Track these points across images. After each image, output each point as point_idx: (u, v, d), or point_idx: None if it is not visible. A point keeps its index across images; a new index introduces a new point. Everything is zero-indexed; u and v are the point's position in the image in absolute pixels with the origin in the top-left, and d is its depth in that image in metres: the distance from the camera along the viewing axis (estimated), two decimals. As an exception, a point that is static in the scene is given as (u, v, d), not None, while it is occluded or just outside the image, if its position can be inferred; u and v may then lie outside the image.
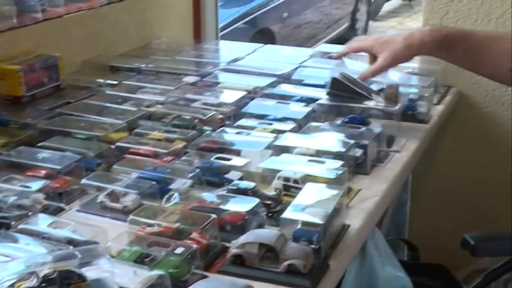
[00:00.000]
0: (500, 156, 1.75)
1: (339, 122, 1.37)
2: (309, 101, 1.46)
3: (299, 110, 1.41)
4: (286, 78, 1.63)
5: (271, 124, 1.34)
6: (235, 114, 1.41)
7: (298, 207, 0.99)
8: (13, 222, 0.98)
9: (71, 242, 0.92)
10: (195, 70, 1.72)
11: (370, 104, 1.37)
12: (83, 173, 1.14)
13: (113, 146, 1.24)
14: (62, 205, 1.09)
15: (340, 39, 4.79)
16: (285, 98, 1.49)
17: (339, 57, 1.41)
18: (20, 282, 0.76)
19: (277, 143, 1.23)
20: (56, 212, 1.07)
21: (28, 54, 1.53)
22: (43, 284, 0.75)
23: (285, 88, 1.56)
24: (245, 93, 1.51)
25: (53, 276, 0.76)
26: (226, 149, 1.23)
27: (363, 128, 1.30)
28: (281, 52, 1.93)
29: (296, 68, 1.68)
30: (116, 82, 1.60)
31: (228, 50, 1.96)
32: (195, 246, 0.90)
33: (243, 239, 0.92)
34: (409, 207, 1.90)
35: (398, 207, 1.89)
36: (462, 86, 1.73)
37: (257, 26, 4.50)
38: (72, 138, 1.27)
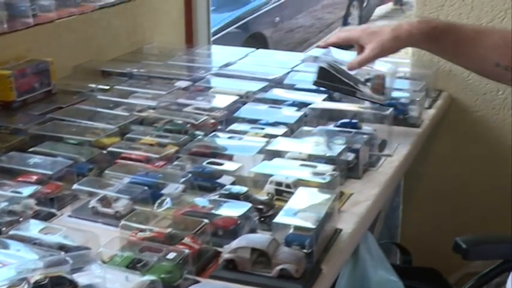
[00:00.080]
0: (491, 159, 1.76)
1: (331, 126, 1.37)
2: (301, 105, 1.46)
3: (291, 114, 1.41)
4: (278, 83, 1.63)
5: (263, 129, 1.34)
6: (228, 118, 1.41)
7: (290, 212, 0.99)
8: (4, 228, 0.98)
9: (62, 247, 0.91)
10: (187, 75, 1.72)
11: (358, 94, 1.36)
12: (74, 178, 1.14)
13: (104, 151, 1.24)
14: (53, 211, 1.09)
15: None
16: (277, 102, 1.49)
17: (326, 46, 1.38)
18: (10, 289, 0.75)
19: (269, 147, 1.23)
20: (48, 217, 1.07)
21: (19, 59, 1.52)
22: (34, 290, 0.75)
23: (277, 93, 1.56)
24: (237, 97, 1.51)
25: (44, 282, 0.75)
26: (218, 153, 1.23)
27: (355, 132, 1.30)
28: (273, 57, 1.94)
29: (288, 73, 1.69)
30: (107, 87, 1.60)
31: (220, 54, 1.97)
32: (187, 251, 0.90)
33: (235, 243, 0.92)
34: (401, 211, 1.90)
35: (390, 211, 1.90)
36: (453, 90, 1.74)
37: (249, 31, 4.51)
38: (63, 144, 1.27)
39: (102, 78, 1.70)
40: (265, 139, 1.28)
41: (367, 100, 1.37)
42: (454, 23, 1.31)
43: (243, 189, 1.07)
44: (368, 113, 1.41)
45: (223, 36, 3.94)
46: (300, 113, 1.41)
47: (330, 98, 1.53)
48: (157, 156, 1.21)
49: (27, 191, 1.08)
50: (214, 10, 2.52)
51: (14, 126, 1.36)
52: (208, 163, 1.18)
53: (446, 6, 1.68)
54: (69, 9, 1.61)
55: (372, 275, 1.36)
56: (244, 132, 1.33)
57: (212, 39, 2.27)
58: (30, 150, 1.23)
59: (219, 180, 1.14)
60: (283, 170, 1.14)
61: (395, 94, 1.53)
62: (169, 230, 0.95)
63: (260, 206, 1.05)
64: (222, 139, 1.30)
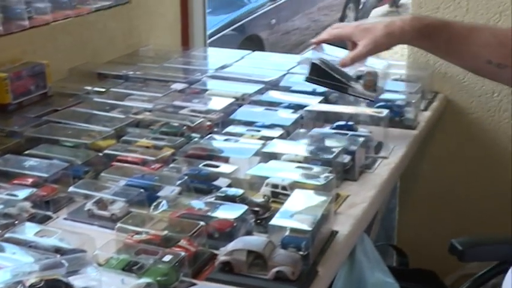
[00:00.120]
0: (487, 161, 1.76)
1: (327, 128, 1.38)
2: (297, 107, 1.46)
3: (287, 116, 1.41)
4: (274, 85, 1.63)
5: (259, 131, 1.34)
6: (224, 121, 1.41)
7: (286, 214, 0.99)
8: (-1, 231, 0.97)
9: (58, 250, 0.91)
10: (183, 77, 1.71)
11: (350, 90, 1.35)
12: (70, 181, 1.14)
13: (100, 154, 1.24)
14: (49, 213, 1.09)
15: (328, 46, 4.79)
16: (273, 104, 1.49)
17: (318, 43, 1.37)
18: (6, 292, 0.75)
19: (266, 149, 1.23)
20: (43, 220, 1.07)
21: (15, 62, 1.52)
22: (30, 293, 0.74)
23: (273, 95, 1.56)
24: (233, 100, 1.51)
25: (40, 285, 0.75)
26: (214, 156, 1.23)
27: (351, 134, 1.30)
28: (269, 59, 1.94)
29: (284, 75, 1.69)
30: (103, 89, 1.60)
31: (216, 56, 1.97)
32: (183, 253, 0.90)
33: (231, 246, 0.92)
34: (397, 213, 1.91)
35: (387, 213, 1.90)
36: (449, 92, 1.75)
37: (245, 33, 4.52)
38: (59, 146, 1.27)
39: (98, 80, 1.69)
40: (261, 141, 1.28)
41: (358, 97, 1.37)
42: (447, 21, 1.31)
43: (239, 191, 1.07)
44: (364, 115, 1.41)
45: (220, 39, 3.95)
46: (296, 115, 1.41)
47: (326, 100, 1.54)
48: (153, 158, 1.21)
49: (22, 193, 1.07)
50: (210, 12, 2.52)
51: (9, 129, 1.35)
52: (204, 165, 1.18)
53: (441, 8, 1.69)
54: (65, 12, 1.61)
55: (368, 277, 1.36)
56: (240, 135, 1.33)
57: (208, 41, 2.28)
58: (26, 152, 1.23)
59: (215, 183, 1.14)
60: (279, 172, 1.14)
61: (391, 96, 1.53)
62: (165, 232, 0.95)
63: (256, 208, 1.05)
64: (218, 141, 1.30)
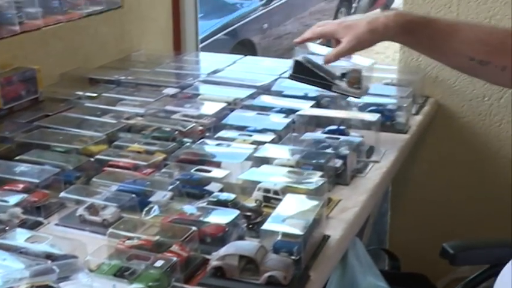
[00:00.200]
0: (477, 165, 1.77)
1: (318, 132, 1.38)
2: (288, 112, 1.46)
3: (279, 121, 1.42)
4: (266, 90, 1.64)
5: (251, 135, 1.34)
6: (215, 125, 1.41)
7: (278, 219, 0.99)
8: (-10, 237, 0.97)
9: (49, 256, 0.91)
10: (175, 82, 1.71)
11: (334, 88, 1.34)
12: (61, 186, 1.13)
13: (92, 159, 1.24)
14: (40, 219, 1.08)
15: (320, 50, 4.80)
16: (265, 109, 1.50)
17: (301, 42, 1.35)
18: (-4, 298, 0.75)
19: (257, 154, 1.23)
20: (34, 226, 1.06)
21: (5, 67, 1.51)
22: (20, 300, 0.74)
23: (265, 99, 1.57)
24: (225, 104, 1.51)
25: (31, 291, 0.75)
26: (206, 160, 1.23)
27: (343, 139, 1.31)
28: (261, 63, 1.94)
29: (276, 79, 1.69)
30: (95, 94, 1.59)
31: (208, 61, 1.97)
32: (175, 259, 0.89)
33: (223, 251, 0.92)
34: (389, 217, 1.91)
35: (379, 217, 1.90)
36: (440, 96, 1.76)
37: (238, 37, 4.52)
38: (50, 152, 1.26)
39: (90, 85, 1.69)
40: (253, 146, 1.28)
41: (342, 94, 1.36)
42: (430, 17, 1.30)
43: (231, 196, 1.07)
44: (356, 119, 1.42)
45: (212, 43, 3.95)
46: (287, 120, 1.41)
47: (318, 105, 1.54)
48: (145, 163, 1.21)
49: (13, 199, 1.07)
50: (202, 17, 2.52)
51: (0, 134, 1.35)
52: (196, 170, 1.18)
53: (432, 13, 1.70)
54: (56, 17, 1.60)
55: (360, 281, 1.37)
56: (232, 139, 1.33)
57: (200, 46, 2.28)
58: (17, 158, 1.22)
59: (207, 188, 1.14)
60: (271, 177, 1.14)
61: (382, 100, 1.54)
62: (157, 237, 0.95)
63: (248, 213, 1.05)
64: (210, 146, 1.30)
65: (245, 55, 1.99)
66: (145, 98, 1.56)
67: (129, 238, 0.95)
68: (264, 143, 1.29)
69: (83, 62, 1.78)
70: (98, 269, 0.89)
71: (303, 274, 0.94)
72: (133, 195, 1.08)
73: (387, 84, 1.70)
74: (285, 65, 1.83)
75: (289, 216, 0.99)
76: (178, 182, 1.13)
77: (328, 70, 1.34)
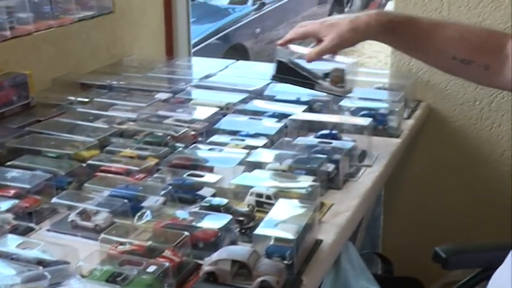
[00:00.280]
0: (469, 169, 1.78)
1: (311, 137, 1.38)
2: (281, 116, 1.46)
3: (271, 125, 1.42)
4: (258, 94, 1.64)
5: (243, 140, 1.34)
6: (208, 130, 1.41)
7: (270, 223, 0.99)
8: (-19, 244, 0.96)
9: (40, 262, 0.90)
10: (167, 87, 1.71)
11: (317, 87, 1.32)
12: (53, 191, 1.13)
13: (84, 164, 1.23)
14: (31, 225, 1.08)
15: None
16: (257, 113, 1.50)
17: (284, 43, 1.32)
18: (-13, 305, 0.74)
19: (250, 159, 1.23)
20: (26, 232, 1.06)
21: (-4, 72, 1.51)
22: (11, 306, 0.74)
23: (257, 104, 1.57)
24: (217, 109, 1.51)
25: (22, 298, 0.74)
26: (198, 165, 1.23)
27: (335, 143, 1.31)
28: (253, 68, 1.94)
29: (268, 84, 1.69)
30: (87, 99, 1.59)
31: (200, 66, 1.97)
32: (167, 264, 0.89)
33: (215, 256, 0.92)
34: (382, 221, 1.91)
35: (372, 221, 1.90)
36: (431, 101, 1.76)
37: (230, 42, 4.52)
38: (42, 157, 1.26)
39: (82, 90, 1.69)
40: (246, 151, 1.28)
41: (325, 92, 1.35)
42: (412, 16, 1.30)
43: (224, 201, 1.07)
44: (348, 123, 1.42)
45: (204, 48, 3.95)
46: (280, 124, 1.41)
47: (310, 109, 1.54)
48: (137, 168, 1.21)
49: (4, 205, 1.06)
50: (194, 22, 2.52)
51: (-9, 140, 1.34)
52: (188, 175, 1.18)
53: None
54: (48, 22, 1.60)
55: (353, 285, 1.37)
56: (225, 144, 1.33)
57: (193, 50, 2.28)
58: (8, 164, 1.22)
59: (199, 192, 1.13)
60: (263, 182, 1.14)
61: (374, 105, 1.54)
62: (149, 243, 0.95)
63: (241, 218, 1.04)
64: (202, 151, 1.30)
65: (237, 60, 2.00)
66: (138, 103, 1.56)
67: (122, 243, 0.95)
68: (256, 147, 1.29)
69: (75, 67, 1.78)
70: (90, 274, 0.89)
71: (295, 279, 0.93)
72: (126, 201, 1.07)
73: (379, 88, 1.70)
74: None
75: (281, 220, 0.99)
76: (170, 187, 1.13)
77: (311, 70, 1.32)
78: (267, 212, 1.03)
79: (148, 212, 1.03)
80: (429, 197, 1.83)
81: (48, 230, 1.08)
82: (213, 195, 1.12)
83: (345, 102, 1.55)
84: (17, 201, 1.08)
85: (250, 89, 1.65)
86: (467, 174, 1.78)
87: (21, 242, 0.96)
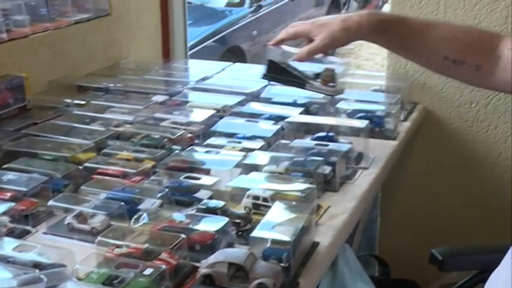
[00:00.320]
0: (465, 172, 1.78)
1: (308, 139, 1.38)
2: (277, 119, 1.46)
3: (268, 128, 1.42)
4: (255, 97, 1.64)
5: (240, 142, 1.34)
6: (204, 133, 1.41)
7: (267, 226, 0.99)
8: (-23, 247, 0.96)
9: (37, 265, 0.90)
10: (164, 89, 1.71)
11: (308, 86, 1.30)
12: (50, 194, 1.13)
13: (80, 167, 1.23)
14: (28, 228, 1.07)
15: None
16: (254, 116, 1.50)
17: (276, 44, 1.31)
18: (-17, 308, 0.74)
19: (247, 161, 1.23)
20: (22, 235, 1.06)
21: (-8, 75, 1.51)
22: (8, 310, 0.73)
23: (254, 106, 1.57)
24: (214, 111, 1.51)
25: (18, 301, 0.74)
26: (195, 168, 1.23)
27: (332, 145, 1.31)
28: (250, 70, 1.94)
29: (265, 86, 1.69)
30: (83, 102, 1.59)
31: (197, 68, 1.97)
32: (164, 266, 0.89)
33: (212, 258, 0.92)
34: (379, 223, 1.92)
35: (369, 223, 1.91)
36: (428, 103, 1.77)
37: (227, 44, 4.53)
38: (38, 160, 1.26)
39: (78, 93, 1.69)
40: (242, 153, 1.28)
41: (316, 91, 1.33)
42: (403, 16, 1.28)
43: (220, 203, 1.07)
44: (344, 126, 1.42)
45: (201, 50, 3.95)
46: (277, 127, 1.42)
47: (307, 112, 1.54)
48: (134, 171, 1.21)
49: (1, 208, 1.06)
50: (191, 24, 2.52)
51: (-13, 143, 1.34)
52: (185, 178, 1.18)
53: (419, 20, 1.71)
54: (44, 24, 1.60)
55: (350, 287, 1.37)
56: (221, 146, 1.33)
57: (189, 53, 2.28)
58: (5, 166, 1.22)
59: (196, 195, 1.14)
60: (260, 184, 1.14)
61: (371, 107, 1.55)
62: (146, 245, 0.95)
63: (237, 220, 1.04)
64: (199, 153, 1.30)
65: (234, 62, 2.00)
66: (134, 105, 1.56)
67: (118, 246, 0.95)
68: (253, 150, 1.29)
69: (71, 70, 1.77)
70: (86, 277, 0.89)
71: (292, 281, 0.94)
72: (122, 203, 1.07)
73: (376, 90, 1.71)
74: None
75: (278, 223, 0.99)
76: (167, 190, 1.13)
77: (302, 71, 1.31)
78: (263, 215, 1.03)
79: (145, 215, 1.03)
80: (426, 199, 1.83)
81: (44, 233, 1.08)
82: (210, 198, 1.12)
83: (341, 105, 1.55)
84: (13, 204, 1.08)
85: (247, 92, 1.65)
86: (463, 176, 1.79)
87: (18, 245, 0.96)
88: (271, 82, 1.35)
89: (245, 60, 4.43)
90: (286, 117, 1.45)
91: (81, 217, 1.06)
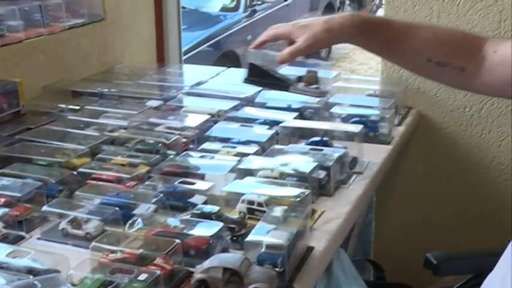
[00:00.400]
0: (459, 176, 1.79)
1: (302, 144, 1.38)
2: (272, 123, 1.47)
3: (263, 132, 1.42)
4: (249, 101, 1.64)
5: (235, 147, 1.34)
6: (199, 137, 1.41)
7: (262, 231, 0.98)
8: (-29, 253, 0.96)
9: (31, 271, 0.90)
10: (159, 94, 1.71)
11: (291, 88, 1.26)
12: (44, 200, 1.12)
13: (75, 172, 1.23)
14: (22, 233, 1.07)
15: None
16: (248, 121, 1.50)
17: (257, 47, 1.26)
18: (-23, 315, 0.74)
19: (241, 166, 1.23)
20: (16, 240, 1.05)
21: (-13, 80, 1.51)
22: (1, 316, 0.73)
23: (249, 111, 1.57)
24: (209, 116, 1.51)
25: (12, 307, 0.74)
26: (190, 173, 1.23)
27: (326, 150, 1.31)
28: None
29: (259, 91, 1.70)
30: (78, 107, 1.59)
31: (192, 73, 1.97)
32: (158, 272, 0.89)
33: (207, 263, 0.92)
34: (374, 228, 1.92)
35: (364, 227, 1.91)
36: (422, 107, 1.77)
37: (221, 49, 4.53)
38: (32, 165, 1.25)
39: (73, 98, 1.68)
40: (237, 158, 1.28)
41: (300, 93, 1.30)
42: (386, 18, 1.27)
43: (215, 208, 1.07)
44: (339, 130, 1.42)
45: (195, 55, 3.95)
46: (271, 131, 1.42)
47: (302, 116, 1.55)
48: (128, 176, 1.21)
49: (-6, 213, 1.06)
50: (186, 29, 2.52)
51: (-19, 148, 1.34)
52: (179, 182, 1.18)
53: (413, 25, 1.71)
54: (38, 30, 1.60)
55: (345, 292, 1.37)
56: (216, 151, 1.33)
57: (184, 57, 2.28)
58: (-2, 172, 1.21)
59: (190, 200, 1.14)
60: (255, 189, 1.14)
61: (365, 111, 1.55)
62: (140, 250, 0.94)
63: (232, 225, 1.04)
64: (193, 158, 1.30)
65: (229, 67, 2.00)
66: (129, 110, 1.56)
67: (113, 251, 0.94)
68: (247, 154, 1.29)
69: (66, 75, 1.77)
70: (81, 283, 0.88)
71: (287, 286, 0.93)
72: (117, 208, 1.07)
73: (370, 95, 1.71)
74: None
75: (273, 228, 0.99)
76: (162, 195, 1.12)
77: (284, 74, 1.28)
78: (258, 219, 1.03)
79: (139, 220, 1.02)
80: (420, 203, 1.84)
81: (38, 239, 1.07)
82: (205, 203, 1.12)
83: (335, 109, 1.56)
84: (7, 209, 1.08)
85: (241, 96, 1.65)
86: (458, 181, 1.79)
87: (12, 251, 0.95)
88: (254, 86, 1.31)
89: (240, 65, 4.43)
90: (280, 122, 1.45)
91: (76, 222, 1.06)
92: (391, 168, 1.52)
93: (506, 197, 1.72)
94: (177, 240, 0.95)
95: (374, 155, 1.42)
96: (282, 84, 1.25)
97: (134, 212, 1.08)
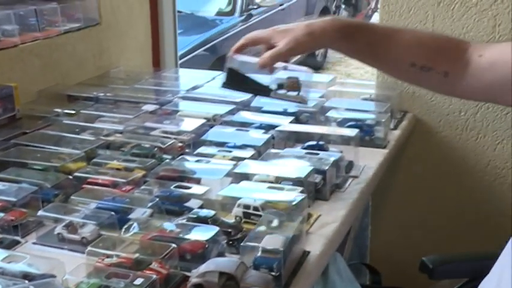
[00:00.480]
0: (455, 180, 1.79)
1: (298, 148, 1.38)
2: (268, 127, 1.47)
3: (258, 137, 1.42)
4: (245, 106, 1.64)
5: (230, 151, 1.34)
6: (195, 142, 1.41)
7: (258, 235, 0.98)
8: (-34, 257, 0.95)
9: (26, 276, 0.90)
10: (154, 98, 1.71)
11: (273, 93, 1.22)
12: (39, 204, 1.12)
13: (70, 177, 1.23)
14: (17, 238, 1.07)
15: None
16: (244, 125, 1.50)
17: (236, 51, 1.22)
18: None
19: (237, 170, 1.23)
20: (11, 245, 1.05)
21: (-18, 85, 1.50)
22: (-3, 321, 0.73)
23: (244, 115, 1.57)
24: (204, 120, 1.52)
25: (7, 312, 0.74)
26: (186, 177, 1.23)
27: (322, 154, 1.31)
28: (240, 79, 1.94)
29: (255, 95, 1.70)
30: (73, 111, 1.59)
31: (187, 77, 1.97)
32: (154, 276, 0.89)
33: (203, 268, 0.92)
34: (370, 232, 1.92)
35: (360, 231, 1.91)
36: (417, 111, 1.78)
37: (217, 53, 4.53)
38: (28, 169, 1.25)
39: (68, 102, 1.68)
40: (233, 162, 1.28)
41: (282, 99, 1.25)
42: (367, 23, 1.25)
43: (211, 212, 1.07)
44: (335, 134, 1.43)
45: (191, 59, 3.95)
46: (267, 136, 1.42)
47: (297, 120, 1.55)
48: (124, 180, 1.21)
49: (-10, 218, 1.06)
50: (181, 33, 2.53)
51: (-23, 153, 1.33)
52: (175, 187, 1.18)
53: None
54: (34, 34, 1.60)
55: (341, 296, 1.37)
56: (212, 155, 1.33)
57: (180, 62, 2.28)
58: (-6, 176, 1.21)
59: (186, 204, 1.13)
60: (251, 193, 1.14)
61: (361, 115, 1.55)
62: (136, 255, 0.94)
63: (228, 230, 1.04)
64: (189, 162, 1.30)
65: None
66: (125, 114, 1.56)
67: (108, 256, 0.94)
68: (243, 159, 1.30)
69: (61, 79, 1.77)
70: (76, 288, 0.88)
71: (283, 290, 0.93)
72: (113, 213, 1.07)
73: (366, 99, 1.71)
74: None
75: (269, 232, 0.99)
76: (157, 199, 1.12)
77: (263, 81, 1.23)
78: (254, 224, 1.03)
79: (135, 224, 1.02)
80: (416, 207, 1.84)
81: (34, 243, 1.07)
82: (201, 207, 1.12)
83: (331, 113, 1.56)
84: (2, 214, 1.07)
85: (237, 101, 1.66)
86: (453, 184, 1.79)
87: (7, 256, 0.95)
88: (233, 91, 1.28)
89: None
90: (276, 126, 1.46)
91: (71, 227, 1.06)
92: (386, 172, 1.52)
93: (501, 201, 1.73)
94: (173, 245, 0.95)
95: (370, 159, 1.42)
96: (262, 89, 1.22)
97: (130, 216, 1.08)
